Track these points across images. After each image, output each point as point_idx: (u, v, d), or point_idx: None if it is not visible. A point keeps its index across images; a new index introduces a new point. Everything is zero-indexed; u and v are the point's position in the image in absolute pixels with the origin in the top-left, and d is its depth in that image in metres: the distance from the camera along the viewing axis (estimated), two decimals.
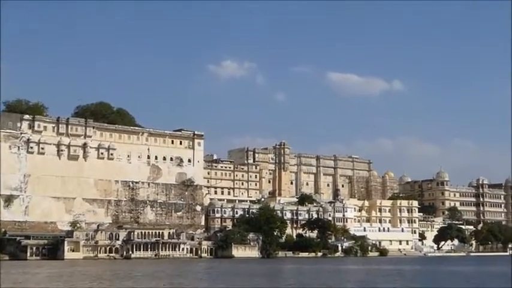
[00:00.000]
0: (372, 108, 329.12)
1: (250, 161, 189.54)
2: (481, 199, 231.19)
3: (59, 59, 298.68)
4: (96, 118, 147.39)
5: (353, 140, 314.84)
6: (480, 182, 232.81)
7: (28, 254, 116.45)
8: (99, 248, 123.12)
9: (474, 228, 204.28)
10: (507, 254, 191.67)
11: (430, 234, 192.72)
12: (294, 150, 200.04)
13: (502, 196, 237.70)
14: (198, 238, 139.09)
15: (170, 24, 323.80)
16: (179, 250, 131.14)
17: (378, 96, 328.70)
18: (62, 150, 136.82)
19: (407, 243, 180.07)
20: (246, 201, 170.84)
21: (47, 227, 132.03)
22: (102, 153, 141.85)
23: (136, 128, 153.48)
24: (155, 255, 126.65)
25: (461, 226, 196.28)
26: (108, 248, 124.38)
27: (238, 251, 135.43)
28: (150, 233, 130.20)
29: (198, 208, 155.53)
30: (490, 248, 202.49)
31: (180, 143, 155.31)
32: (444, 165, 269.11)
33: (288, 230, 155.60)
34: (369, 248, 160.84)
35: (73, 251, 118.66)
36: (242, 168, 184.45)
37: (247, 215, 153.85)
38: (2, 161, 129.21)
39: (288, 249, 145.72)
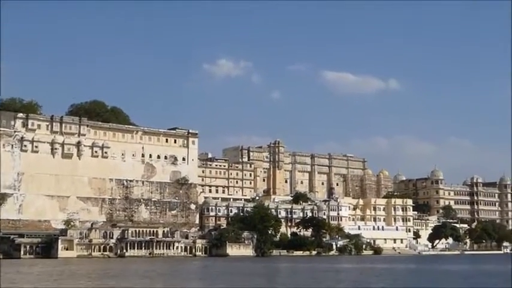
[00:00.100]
0: (368, 107, 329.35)
1: (245, 159, 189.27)
2: (475, 198, 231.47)
3: (53, 58, 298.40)
4: (90, 116, 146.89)
5: (348, 139, 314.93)
6: (474, 181, 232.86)
7: (22, 252, 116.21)
8: (93, 247, 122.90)
9: (468, 227, 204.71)
10: (501, 252, 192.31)
11: (425, 233, 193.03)
12: (288, 149, 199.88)
13: (496, 195, 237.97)
14: (193, 236, 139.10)
15: (165, 23, 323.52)
16: (173, 249, 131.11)
17: (374, 95, 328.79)
18: (55, 149, 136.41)
19: (401, 242, 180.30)
20: (241, 199, 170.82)
21: (41, 226, 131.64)
22: (96, 152, 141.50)
23: (131, 126, 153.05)
24: (149, 253, 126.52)
25: (455, 225, 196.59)
26: (102, 247, 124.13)
27: (232, 250, 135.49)
28: (144, 232, 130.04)
29: (193, 206, 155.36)
30: (484, 246, 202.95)
31: (175, 142, 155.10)
32: (439, 164, 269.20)
33: (283, 229, 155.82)
34: (363, 246, 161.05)
35: (67, 249, 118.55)
36: (237, 167, 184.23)
37: (241, 214, 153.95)
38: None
39: (282, 247, 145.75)
